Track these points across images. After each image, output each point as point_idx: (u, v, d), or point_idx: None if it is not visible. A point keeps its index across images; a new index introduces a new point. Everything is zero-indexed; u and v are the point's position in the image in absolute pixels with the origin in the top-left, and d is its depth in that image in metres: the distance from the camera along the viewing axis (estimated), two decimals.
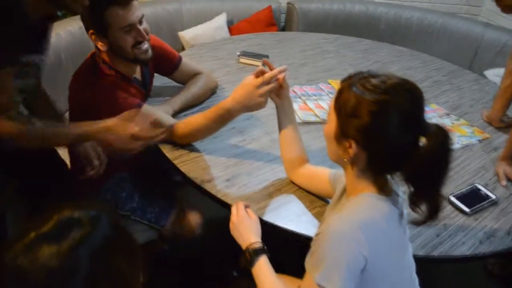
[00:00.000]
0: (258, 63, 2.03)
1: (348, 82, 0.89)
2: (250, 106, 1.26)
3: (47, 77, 1.94)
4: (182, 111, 1.58)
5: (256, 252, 1.01)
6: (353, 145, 0.87)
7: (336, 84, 1.91)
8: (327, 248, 0.84)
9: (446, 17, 3.00)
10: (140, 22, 1.38)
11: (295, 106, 1.70)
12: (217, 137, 1.47)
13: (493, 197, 1.32)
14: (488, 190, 1.35)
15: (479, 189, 1.35)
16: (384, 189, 0.90)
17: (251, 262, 1.01)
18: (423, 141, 0.84)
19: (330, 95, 1.81)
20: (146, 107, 1.38)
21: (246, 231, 1.04)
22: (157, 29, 2.59)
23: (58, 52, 2.15)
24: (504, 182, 1.40)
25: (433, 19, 2.99)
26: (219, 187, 1.26)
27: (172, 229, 1.56)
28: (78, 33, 2.19)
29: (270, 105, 1.29)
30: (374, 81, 0.86)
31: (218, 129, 1.36)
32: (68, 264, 0.57)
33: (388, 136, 0.85)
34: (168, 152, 1.39)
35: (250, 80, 1.24)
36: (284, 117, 1.27)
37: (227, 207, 1.20)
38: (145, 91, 1.59)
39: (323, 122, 1.62)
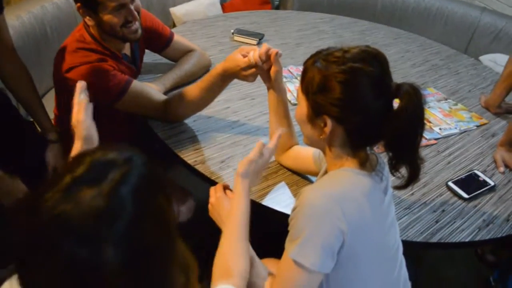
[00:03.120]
0: (253, 41, 1.97)
1: (310, 61, 0.87)
2: (239, 78, 1.20)
3: (32, 51, 1.87)
4: (174, 89, 1.52)
5: None
6: (328, 121, 0.84)
7: None
8: (303, 222, 0.81)
9: (443, 1, 2.94)
10: (132, 1, 1.30)
11: (291, 86, 1.65)
12: (211, 117, 1.42)
13: (492, 183, 1.30)
14: (486, 176, 1.33)
15: (477, 175, 1.32)
16: (365, 165, 0.87)
17: None
18: (396, 102, 0.83)
19: None
20: (136, 83, 1.32)
21: (224, 213, 1.00)
22: (148, 4, 2.49)
23: (43, 25, 2.05)
24: (502, 169, 1.38)
25: (430, 2, 2.94)
26: (213, 169, 1.22)
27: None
28: (65, 5, 2.09)
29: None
30: (336, 53, 0.84)
31: (212, 99, 1.31)
32: (113, 204, 0.54)
33: (362, 104, 0.83)
34: (160, 132, 1.34)
35: (237, 58, 1.16)
36: (274, 100, 1.19)
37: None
38: (135, 68, 1.52)
39: None
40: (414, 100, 0.80)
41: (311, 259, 0.79)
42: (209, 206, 1.03)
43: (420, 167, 0.87)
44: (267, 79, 1.17)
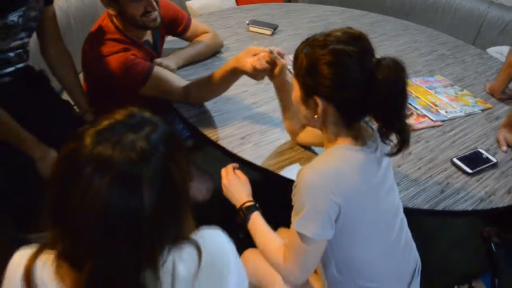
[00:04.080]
0: (268, 31, 2.07)
1: (299, 48, 0.96)
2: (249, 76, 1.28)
3: None
4: (186, 66, 1.67)
5: (249, 210, 1.10)
6: (319, 101, 0.93)
7: None
8: (303, 198, 0.92)
9: None
10: None
11: None
12: (230, 99, 1.52)
13: (494, 160, 1.38)
14: (489, 154, 1.41)
15: (481, 153, 1.41)
16: (358, 139, 0.95)
17: (245, 219, 1.10)
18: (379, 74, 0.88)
19: None
20: (157, 69, 1.42)
21: (237, 192, 1.12)
22: None
23: (68, 16, 2.16)
24: (504, 148, 1.46)
25: None
26: (234, 144, 1.32)
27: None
28: None
29: None
30: (320, 38, 0.93)
31: (227, 88, 1.40)
32: (151, 146, 0.62)
33: (346, 81, 0.90)
34: (184, 112, 1.44)
35: (245, 64, 1.23)
36: (281, 96, 1.29)
37: (243, 163, 1.26)
38: (156, 53, 1.63)
39: None
40: (393, 73, 0.88)
41: (313, 229, 0.92)
42: (222, 186, 1.16)
43: (409, 134, 0.93)
44: (271, 75, 1.26)
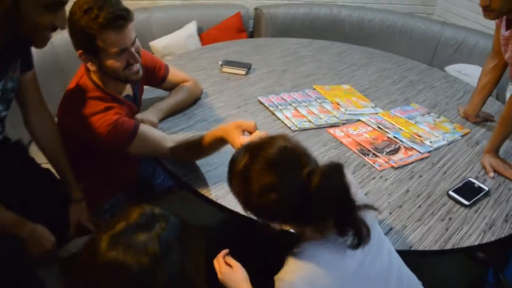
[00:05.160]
0: (242, 71, 2.05)
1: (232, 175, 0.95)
2: None
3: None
4: (167, 117, 1.63)
5: None
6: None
7: (320, 89, 1.96)
8: None
9: (406, 18, 3.16)
10: (133, 44, 1.34)
11: (288, 113, 1.73)
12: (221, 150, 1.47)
13: (486, 188, 1.42)
14: (479, 182, 1.45)
15: (472, 182, 1.45)
16: (324, 232, 0.94)
17: None
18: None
19: (318, 100, 1.86)
20: (143, 128, 1.36)
21: (234, 284, 1.09)
22: None
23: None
24: (491, 174, 1.51)
25: (394, 20, 3.14)
26: (236, 201, 1.27)
27: None
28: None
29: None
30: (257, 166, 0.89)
31: (215, 151, 1.34)
32: (159, 250, 0.62)
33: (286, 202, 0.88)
34: (174, 169, 1.38)
35: (234, 138, 1.18)
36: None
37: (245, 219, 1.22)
38: (136, 107, 1.57)
39: (316, 128, 1.67)
40: (325, 180, 0.85)
41: None
42: (219, 276, 1.12)
43: (361, 229, 0.90)
44: None
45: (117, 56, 1.30)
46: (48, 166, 1.43)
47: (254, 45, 2.43)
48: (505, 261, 1.74)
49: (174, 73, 1.72)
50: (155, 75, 1.66)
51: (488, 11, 1.45)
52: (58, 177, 1.40)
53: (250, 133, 1.18)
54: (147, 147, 1.37)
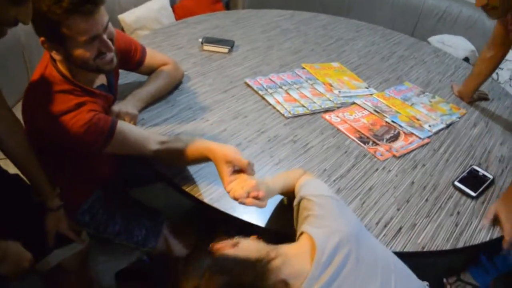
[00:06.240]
0: (224, 49, 1.89)
1: None
2: None
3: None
4: (147, 106, 1.47)
5: None
6: None
7: (310, 68, 1.84)
8: None
9: None
10: (105, 30, 1.13)
11: (279, 98, 1.61)
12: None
13: (490, 177, 1.37)
14: (483, 170, 1.39)
15: (477, 171, 1.39)
16: None
17: None
18: None
19: (309, 81, 1.74)
20: (121, 127, 1.19)
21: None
22: None
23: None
24: (486, 221, 1.23)
25: None
26: (232, 203, 1.16)
27: (162, 248, 1.44)
28: None
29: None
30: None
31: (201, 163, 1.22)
32: None
33: None
34: (163, 168, 1.25)
35: (223, 174, 1.05)
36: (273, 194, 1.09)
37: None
38: (113, 96, 1.40)
39: (311, 113, 1.56)
40: None
41: None
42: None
43: None
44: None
45: (86, 45, 1.10)
46: (15, 171, 1.25)
47: (234, 19, 2.25)
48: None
49: (152, 56, 1.53)
50: (131, 59, 1.47)
51: (489, 9, 1.34)
52: (28, 183, 1.23)
53: (241, 170, 1.04)
54: (127, 148, 1.21)
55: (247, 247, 0.81)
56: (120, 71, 1.48)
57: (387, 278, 0.86)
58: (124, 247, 1.43)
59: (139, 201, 1.49)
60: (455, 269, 1.77)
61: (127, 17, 2.47)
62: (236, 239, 0.84)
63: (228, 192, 0.99)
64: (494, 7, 1.36)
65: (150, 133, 1.30)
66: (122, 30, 2.51)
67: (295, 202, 0.99)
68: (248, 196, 0.95)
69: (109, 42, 1.15)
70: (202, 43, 1.90)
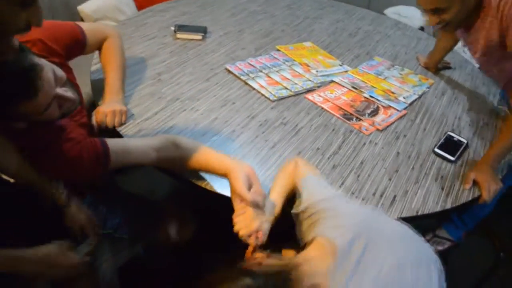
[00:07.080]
0: (198, 36, 1.89)
1: None
2: None
3: None
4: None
5: None
6: None
7: (285, 50, 1.88)
8: None
9: None
10: (56, 88, 1.02)
11: (262, 81, 1.65)
12: (205, 134, 1.37)
13: (465, 141, 1.49)
14: (457, 135, 1.52)
15: (452, 136, 1.51)
16: None
17: None
18: None
19: (286, 63, 1.79)
20: (112, 144, 1.17)
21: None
22: (52, 10, 2.22)
23: None
24: (467, 186, 1.32)
25: None
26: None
27: (164, 240, 1.46)
28: None
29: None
30: None
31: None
32: None
33: None
34: None
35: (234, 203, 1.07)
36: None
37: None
38: (80, 106, 1.27)
39: (294, 94, 1.61)
40: None
41: None
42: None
43: None
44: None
45: (45, 111, 1.02)
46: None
47: (200, 4, 2.24)
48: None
49: (92, 34, 1.40)
50: (75, 45, 1.35)
51: (444, 26, 1.40)
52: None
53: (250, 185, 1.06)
54: (129, 158, 1.19)
55: (277, 260, 0.85)
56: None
57: (404, 249, 0.92)
58: (123, 242, 1.44)
59: (133, 193, 1.50)
60: (430, 227, 1.93)
61: (86, 8, 2.38)
62: (264, 253, 0.89)
63: (234, 225, 1.02)
64: (448, 22, 1.40)
65: (146, 142, 1.23)
66: (82, 21, 2.42)
67: (299, 210, 1.01)
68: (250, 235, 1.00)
69: (68, 93, 1.08)
70: (175, 31, 1.89)
